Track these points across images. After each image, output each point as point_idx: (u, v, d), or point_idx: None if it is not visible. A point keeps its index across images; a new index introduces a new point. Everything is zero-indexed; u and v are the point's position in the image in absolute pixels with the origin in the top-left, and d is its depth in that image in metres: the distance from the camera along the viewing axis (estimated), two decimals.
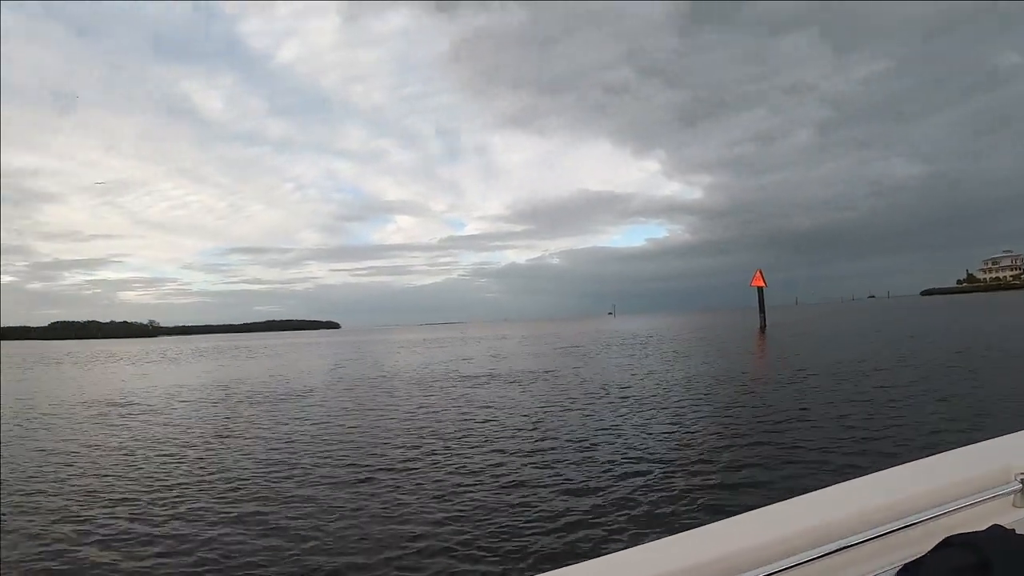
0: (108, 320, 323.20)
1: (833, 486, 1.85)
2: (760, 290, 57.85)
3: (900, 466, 1.97)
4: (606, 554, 1.53)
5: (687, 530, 1.63)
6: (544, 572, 1.51)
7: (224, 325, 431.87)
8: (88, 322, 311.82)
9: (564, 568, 1.49)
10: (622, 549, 1.56)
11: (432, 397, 21.90)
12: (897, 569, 1.57)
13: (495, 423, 15.81)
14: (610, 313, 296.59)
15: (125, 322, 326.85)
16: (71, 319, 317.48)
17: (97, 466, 13.16)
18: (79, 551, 7.95)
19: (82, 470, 12.85)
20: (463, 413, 17.80)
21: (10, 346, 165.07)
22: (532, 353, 45.23)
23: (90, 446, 15.62)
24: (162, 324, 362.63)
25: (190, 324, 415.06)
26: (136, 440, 16.20)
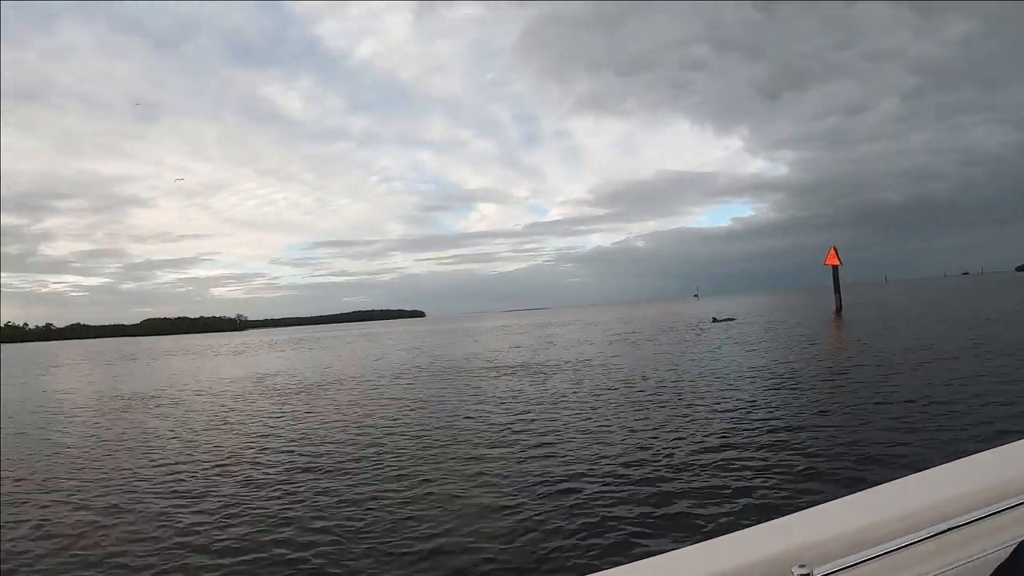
0: (198, 316, 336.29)
1: (942, 465, 1.85)
2: (835, 269, 52.90)
3: (1011, 444, 1.94)
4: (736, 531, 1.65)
5: (799, 511, 1.70)
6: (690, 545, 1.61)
7: (311, 317, 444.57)
8: (179, 318, 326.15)
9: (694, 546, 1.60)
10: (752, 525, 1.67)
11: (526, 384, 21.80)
12: (1013, 547, 1.56)
13: (583, 410, 15.74)
14: (695, 295, 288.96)
15: (214, 317, 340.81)
16: (163, 316, 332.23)
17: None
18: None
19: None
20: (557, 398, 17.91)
21: (104, 343, 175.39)
22: (618, 339, 44.43)
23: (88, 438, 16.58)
24: (250, 318, 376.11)
25: (277, 317, 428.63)
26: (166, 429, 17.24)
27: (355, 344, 67.67)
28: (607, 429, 13.03)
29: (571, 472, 9.83)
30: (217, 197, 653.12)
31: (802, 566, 1.45)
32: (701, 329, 47.27)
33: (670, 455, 10.40)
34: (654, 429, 12.61)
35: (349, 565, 6.90)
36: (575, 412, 15.31)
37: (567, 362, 28.18)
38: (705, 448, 10.80)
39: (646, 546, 6.76)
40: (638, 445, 11.36)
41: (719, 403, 15.28)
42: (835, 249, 51.89)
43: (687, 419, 13.52)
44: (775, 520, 1.66)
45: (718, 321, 54.92)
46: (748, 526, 1.65)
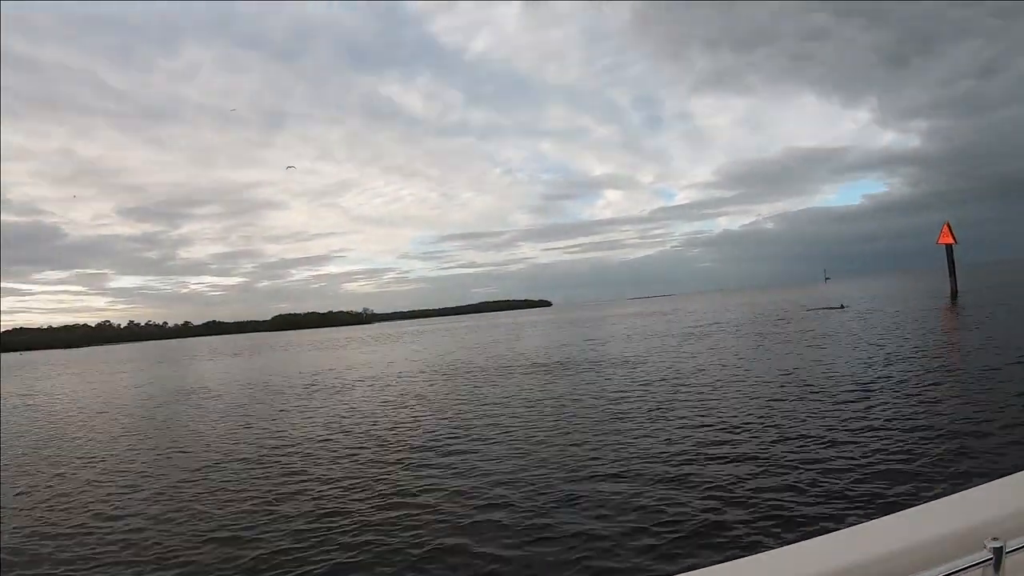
0: (326, 311, 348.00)
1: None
2: (949, 249, 46.63)
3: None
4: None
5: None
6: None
7: (438, 309, 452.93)
8: (308, 313, 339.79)
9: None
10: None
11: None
12: None
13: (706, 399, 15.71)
14: (827, 279, 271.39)
15: (342, 311, 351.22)
16: (295, 312, 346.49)
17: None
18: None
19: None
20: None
21: (239, 339, 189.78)
22: (748, 329, 45.09)
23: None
24: (378, 311, 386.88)
25: (405, 310, 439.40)
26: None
27: (477, 334, 68.89)
28: (753, 416, 13.02)
29: (745, 453, 10.21)
30: (345, 196, 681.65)
31: (995, 539, 1.39)
32: (804, 317, 44.26)
33: (830, 441, 10.44)
34: (802, 419, 12.40)
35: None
36: (704, 403, 15.12)
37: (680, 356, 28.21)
38: (855, 432, 10.89)
39: (831, 526, 6.58)
40: (797, 432, 11.31)
41: (847, 392, 14.89)
42: (948, 226, 46.09)
43: (820, 408, 13.31)
44: (964, 491, 1.61)
45: (825, 309, 50.88)
46: (935, 498, 1.59)
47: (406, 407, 18.42)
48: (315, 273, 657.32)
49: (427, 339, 66.02)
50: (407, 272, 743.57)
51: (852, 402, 13.50)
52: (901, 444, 9.71)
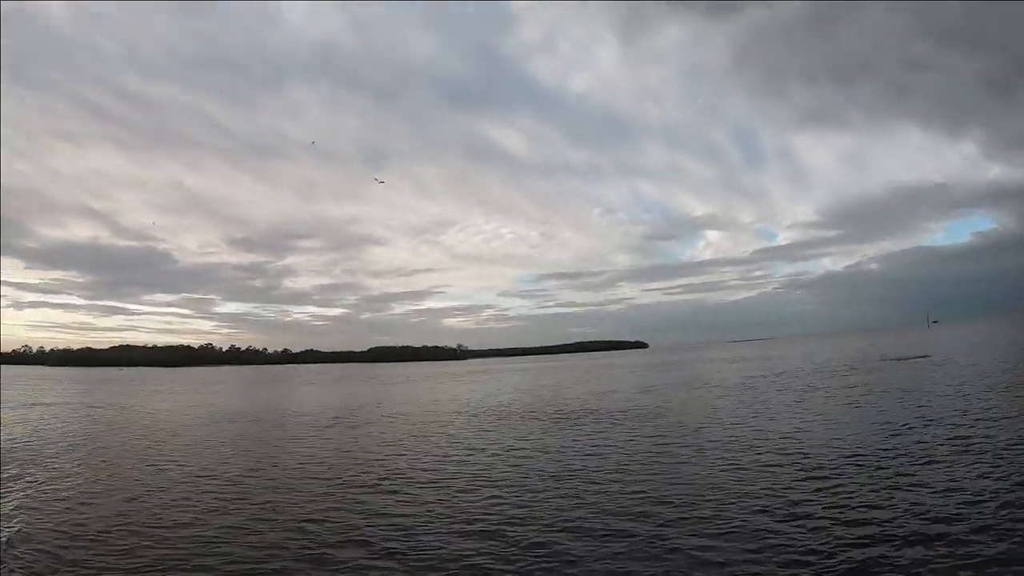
0: (421, 345, 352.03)
1: None
2: None
3: None
4: None
5: None
6: None
7: (533, 348, 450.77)
8: (403, 347, 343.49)
9: None
10: None
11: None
12: None
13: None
14: (935, 321, 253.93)
15: (436, 346, 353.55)
16: (391, 344, 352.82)
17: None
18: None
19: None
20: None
21: (332, 367, 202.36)
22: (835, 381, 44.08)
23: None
24: (473, 347, 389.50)
25: (499, 347, 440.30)
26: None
27: (564, 374, 71.79)
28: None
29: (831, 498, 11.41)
30: (447, 234, 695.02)
31: None
32: (880, 368, 43.28)
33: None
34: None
35: None
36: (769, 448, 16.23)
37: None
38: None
39: None
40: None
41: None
42: None
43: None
44: None
45: (908, 359, 48.96)
46: None
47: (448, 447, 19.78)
48: (415, 308, 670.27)
49: (510, 378, 69.00)
50: (506, 310, 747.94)
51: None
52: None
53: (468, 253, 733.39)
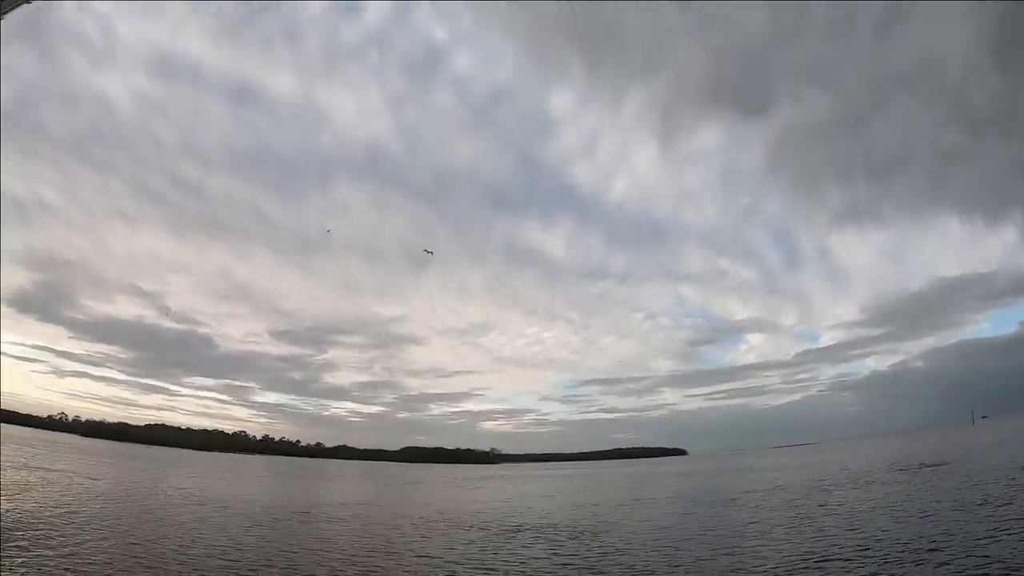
0: (455, 447, 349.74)
1: None
2: None
3: None
4: None
5: None
6: None
7: (571, 453, 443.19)
8: (435, 448, 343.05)
9: None
10: None
11: None
12: None
13: None
14: (984, 416, 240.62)
15: (470, 449, 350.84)
16: (425, 445, 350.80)
17: None
18: None
19: None
20: None
21: (361, 465, 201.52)
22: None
23: None
24: (509, 451, 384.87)
25: (536, 452, 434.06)
26: None
27: (594, 483, 76.95)
28: None
29: None
30: (487, 336, 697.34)
31: None
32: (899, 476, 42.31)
33: None
34: None
35: None
36: None
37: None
38: None
39: None
40: None
41: None
42: None
43: None
44: None
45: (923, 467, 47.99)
46: None
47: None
48: (454, 409, 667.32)
49: (539, 485, 69.96)
50: (547, 415, 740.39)
51: None
52: None
53: (509, 356, 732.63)
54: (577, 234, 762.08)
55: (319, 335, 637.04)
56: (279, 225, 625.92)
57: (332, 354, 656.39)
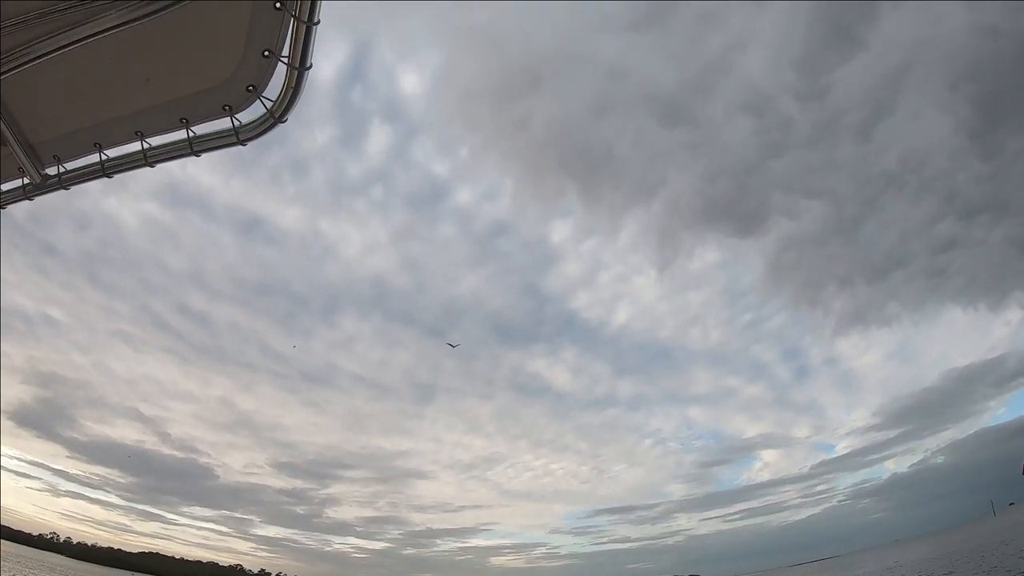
0: None
1: None
2: None
3: None
4: None
5: None
6: None
7: None
8: None
9: None
10: None
11: None
12: None
13: None
14: (1011, 503, 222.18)
15: None
16: None
17: None
18: None
19: None
20: None
21: None
22: None
23: None
24: None
25: None
26: None
27: None
28: None
29: None
30: (495, 470, 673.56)
31: None
32: None
33: None
34: None
35: None
36: None
37: None
38: None
39: None
40: None
41: None
42: None
43: None
44: None
45: None
46: None
47: None
48: (462, 545, 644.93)
49: None
50: (558, 547, 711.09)
51: None
52: None
53: (517, 490, 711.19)
54: (583, 363, 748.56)
55: (322, 469, 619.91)
56: (285, 357, 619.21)
57: (335, 488, 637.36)
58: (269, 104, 3.69)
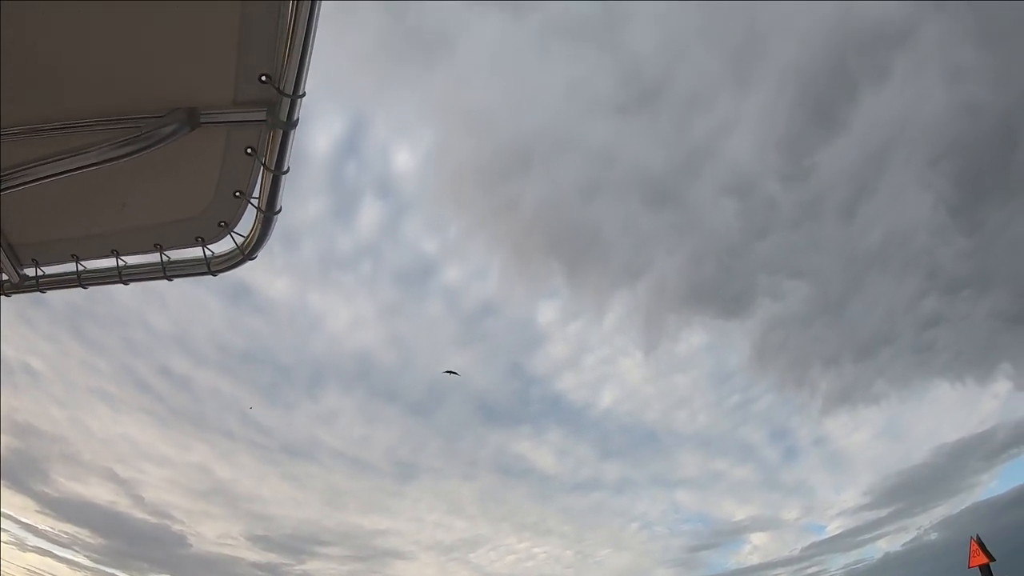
0: None
1: None
2: (986, 569, 31.64)
3: None
4: None
5: None
6: None
7: None
8: None
9: None
10: None
11: None
12: None
13: None
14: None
15: None
16: None
17: None
18: None
19: None
20: None
21: None
22: None
23: None
24: None
25: None
26: None
27: None
28: None
29: None
30: (477, 552, 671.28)
31: None
32: None
33: None
34: None
35: None
36: None
37: None
38: None
39: None
40: None
41: None
42: (976, 541, 31.02)
43: None
44: None
45: None
46: None
47: None
48: None
49: None
50: None
51: None
52: None
53: (499, 573, 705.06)
54: (568, 445, 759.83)
55: (299, 544, 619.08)
56: (266, 428, 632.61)
57: (311, 565, 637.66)
58: (240, 240, 3.85)
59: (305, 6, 2.74)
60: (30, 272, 4.22)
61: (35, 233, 4.00)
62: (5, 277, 4.21)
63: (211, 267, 3.98)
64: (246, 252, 3.88)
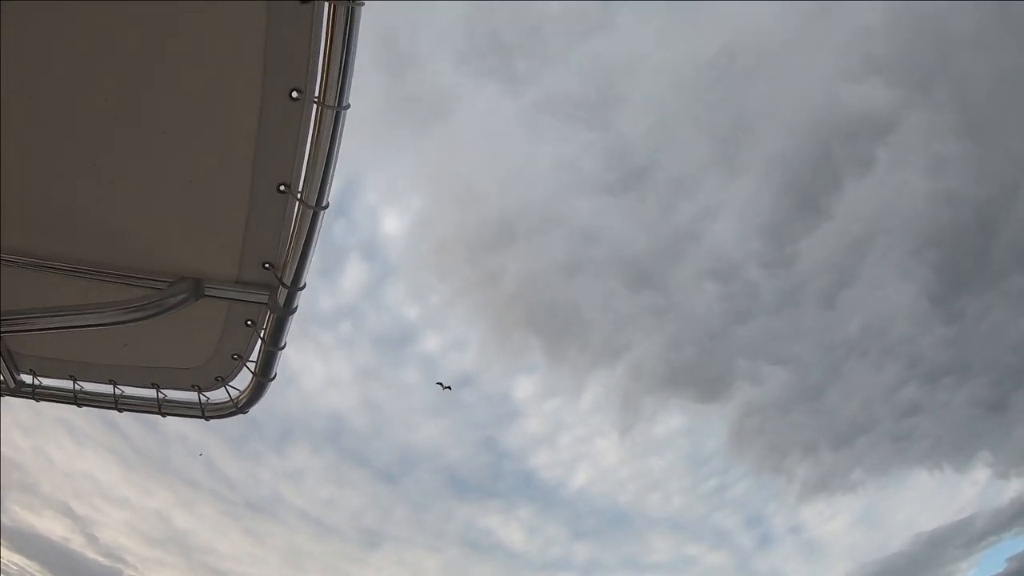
0: None
1: None
2: None
3: None
4: None
5: None
6: None
7: None
8: None
9: None
10: None
11: None
12: None
13: None
14: None
15: None
16: None
17: None
18: None
19: None
20: None
21: None
22: None
23: None
24: None
25: None
26: None
27: None
28: None
29: None
30: None
31: None
32: None
33: None
34: None
35: None
36: None
37: None
38: None
39: None
40: None
41: None
42: None
43: None
44: None
45: None
46: None
47: None
48: None
49: None
50: None
51: None
52: None
53: None
54: (538, 523, 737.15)
55: None
56: (231, 481, 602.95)
57: None
58: (234, 394, 4.03)
59: (308, 212, 2.92)
60: (27, 379, 4.29)
61: (35, 347, 4.11)
62: (1, 378, 4.27)
63: (205, 413, 4.14)
64: (239, 405, 4.06)
